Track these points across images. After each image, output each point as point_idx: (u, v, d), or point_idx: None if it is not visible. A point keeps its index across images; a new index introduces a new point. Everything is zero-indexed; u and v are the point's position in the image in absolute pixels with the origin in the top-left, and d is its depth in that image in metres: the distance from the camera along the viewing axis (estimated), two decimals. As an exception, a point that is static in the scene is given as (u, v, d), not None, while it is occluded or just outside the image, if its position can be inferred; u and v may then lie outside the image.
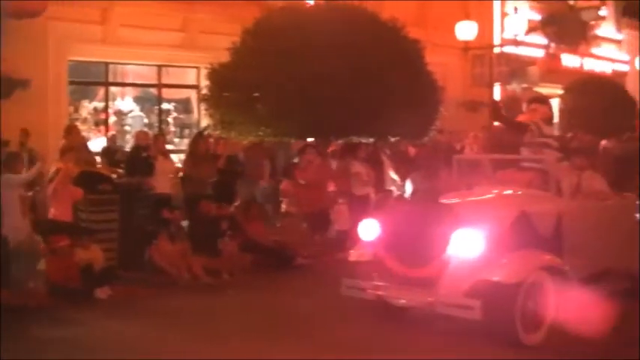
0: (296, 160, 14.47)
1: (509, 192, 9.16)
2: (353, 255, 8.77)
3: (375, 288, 8.09)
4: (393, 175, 15.28)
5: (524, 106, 10.90)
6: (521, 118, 10.63)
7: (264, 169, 14.51)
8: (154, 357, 7.41)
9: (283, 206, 13.92)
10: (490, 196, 9.10)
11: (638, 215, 10.06)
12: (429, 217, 8.10)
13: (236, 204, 13.40)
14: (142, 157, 12.79)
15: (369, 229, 8.55)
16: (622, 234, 9.41)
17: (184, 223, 12.29)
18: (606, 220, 9.18)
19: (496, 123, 13.10)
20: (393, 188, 15.05)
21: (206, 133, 15.16)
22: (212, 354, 7.43)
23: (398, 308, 8.12)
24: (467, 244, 7.65)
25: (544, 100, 10.89)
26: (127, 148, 15.43)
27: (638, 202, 10.25)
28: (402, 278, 7.95)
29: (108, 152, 14.68)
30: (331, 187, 13.75)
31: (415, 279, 7.83)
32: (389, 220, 8.55)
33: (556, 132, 10.25)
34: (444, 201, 8.49)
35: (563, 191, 9.18)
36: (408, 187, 14.49)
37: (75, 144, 12.68)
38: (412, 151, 15.96)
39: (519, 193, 9.06)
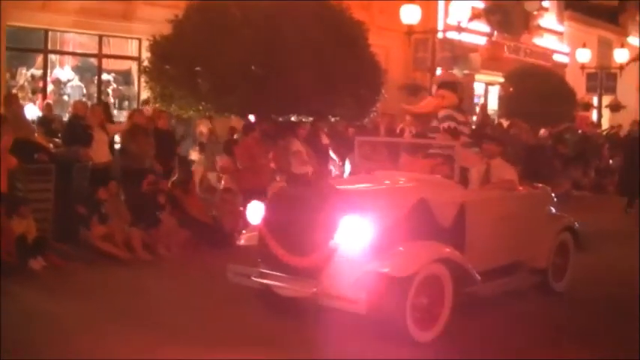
0: (236, 137, 14.43)
1: (409, 178, 8.65)
2: (242, 238, 8.30)
3: (259, 275, 7.58)
4: (332, 155, 15.35)
5: (433, 89, 10.45)
6: (428, 103, 10.24)
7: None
8: (75, 332, 7.41)
9: (222, 182, 13.87)
10: (386, 181, 8.58)
11: (550, 207, 9.85)
12: (316, 202, 7.47)
13: (173, 179, 13.34)
14: (80, 128, 12.62)
15: (256, 212, 8.01)
16: (531, 227, 9.14)
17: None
18: (514, 211, 8.84)
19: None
20: (332, 168, 15.13)
21: (145, 106, 15.07)
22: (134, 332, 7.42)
23: (286, 298, 7.58)
24: (354, 232, 7.09)
25: (453, 86, 10.15)
26: (65, 117, 15.20)
27: (551, 194, 10.05)
28: (287, 266, 7.40)
29: (44, 121, 14.46)
30: (271, 165, 13.73)
31: (299, 268, 7.29)
32: (275, 203, 7.96)
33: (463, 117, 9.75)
34: (335, 185, 7.87)
35: (471, 180, 8.79)
36: (347, 167, 14.59)
37: (13, 114, 12.48)
38: (351, 131, 16.01)
39: (420, 179, 8.54)
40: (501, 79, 26.93)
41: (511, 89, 25.25)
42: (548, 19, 32.92)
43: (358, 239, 7.09)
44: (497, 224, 8.46)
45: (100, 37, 18.13)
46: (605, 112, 32.67)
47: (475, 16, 24.41)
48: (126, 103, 18.74)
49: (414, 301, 7.10)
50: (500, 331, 7.87)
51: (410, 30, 20.64)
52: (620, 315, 8.60)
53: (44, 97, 17.09)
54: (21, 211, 10.33)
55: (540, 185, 10.17)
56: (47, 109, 15.62)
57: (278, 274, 7.43)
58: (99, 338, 7.24)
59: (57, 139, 13.36)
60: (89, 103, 15.11)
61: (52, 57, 17.87)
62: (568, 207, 17.16)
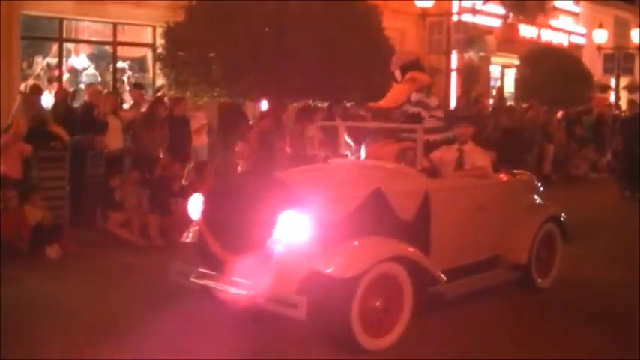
0: (251, 123, 14.43)
1: (366, 166, 7.99)
2: (188, 234, 7.49)
3: (198, 276, 6.90)
4: (347, 139, 15.29)
5: (396, 74, 9.13)
6: (399, 92, 9.01)
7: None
8: (91, 318, 7.41)
9: (239, 168, 13.89)
10: (339, 170, 7.89)
11: (534, 196, 9.13)
12: (254, 195, 6.76)
13: (190, 166, 13.37)
14: (94, 115, 12.65)
15: (196, 206, 7.30)
16: (509, 218, 8.43)
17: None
18: (489, 201, 8.11)
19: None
20: (347, 153, 15.08)
21: (160, 93, 15.09)
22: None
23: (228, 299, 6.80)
24: (294, 228, 6.36)
25: (419, 65, 9.35)
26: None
27: (534, 182, 9.38)
28: (224, 266, 6.71)
29: (57, 107, 14.49)
30: (287, 150, 13.72)
31: (238, 267, 6.58)
32: (212, 196, 7.25)
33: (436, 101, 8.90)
34: (276, 176, 7.18)
35: (442, 168, 8.16)
36: (363, 152, 14.53)
37: (29, 102, 12.56)
38: (367, 116, 15.97)
39: (378, 167, 7.80)
40: (517, 62, 26.83)
41: (527, 71, 25.18)
42: (564, 1, 32.71)
43: (299, 236, 6.37)
44: (468, 216, 7.80)
45: (115, 24, 18.15)
46: (623, 94, 32.45)
47: (490, -3, 24.35)
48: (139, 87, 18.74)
49: (362, 305, 6.34)
50: (466, 336, 7.09)
51: (424, 13, 20.57)
52: (607, 314, 7.88)
53: (60, 85, 17.14)
54: (34, 199, 10.40)
55: (521, 172, 9.54)
56: (67, 96, 15.56)
57: (216, 274, 6.78)
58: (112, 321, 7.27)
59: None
60: (105, 90, 15.13)
61: (67, 45, 17.93)
62: (585, 189, 17.30)
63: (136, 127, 13.24)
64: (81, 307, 7.79)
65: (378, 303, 6.52)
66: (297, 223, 6.36)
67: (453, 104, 21.60)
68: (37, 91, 13.50)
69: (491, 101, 24.53)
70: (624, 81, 32.28)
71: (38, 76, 17.25)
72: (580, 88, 24.44)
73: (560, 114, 22.57)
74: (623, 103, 31.06)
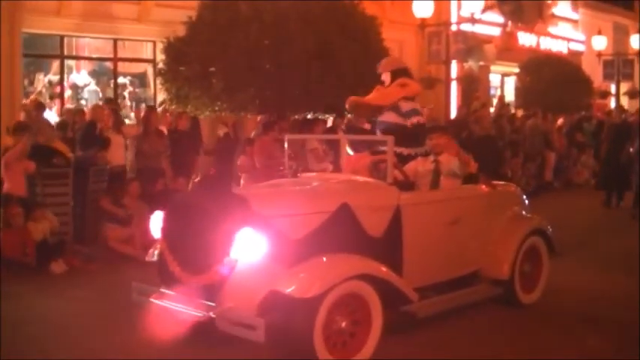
0: (252, 136, 14.48)
1: (334, 181, 7.63)
2: (151, 254, 7.18)
3: (159, 296, 6.61)
4: (349, 151, 15.30)
5: (383, 76, 8.78)
6: (389, 93, 8.57)
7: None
8: (96, 333, 7.43)
9: (241, 181, 13.94)
10: (305, 184, 7.41)
11: (517, 208, 8.73)
12: (212, 211, 6.39)
13: (196, 179, 13.45)
14: (96, 132, 12.73)
15: (157, 223, 6.98)
16: (489, 232, 8.07)
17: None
18: (467, 215, 7.77)
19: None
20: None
21: (161, 108, 15.15)
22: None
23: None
24: (253, 246, 6.10)
25: (408, 72, 8.90)
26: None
27: (518, 193, 9.02)
28: (184, 286, 6.43)
29: (63, 126, 14.56)
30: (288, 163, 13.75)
31: (197, 288, 6.33)
32: (171, 211, 6.87)
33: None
34: (235, 191, 6.85)
35: (417, 179, 7.87)
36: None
37: (34, 119, 12.63)
38: (367, 127, 15.99)
39: (345, 181, 7.50)
40: (517, 70, 26.88)
41: (527, 79, 25.23)
42: (563, 7, 32.79)
43: (256, 254, 6.11)
44: (444, 230, 7.49)
45: (115, 40, 18.27)
46: (624, 100, 32.47)
47: (488, 7, 24.37)
48: (142, 105, 18.83)
49: (326, 326, 6.06)
50: (444, 354, 6.84)
51: (423, 23, 20.61)
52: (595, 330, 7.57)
53: (61, 102, 17.23)
54: (37, 215, 10.46)
55: (503, 183, 9.26)
56: (67, 114, 15.68)
57: (175, 294, 6.48)
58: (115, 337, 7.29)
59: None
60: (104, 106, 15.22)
61: (68, 62, 18.04)
62: (586, 196, 17.29)
63: (136, 140, 13.36)
64: (86, 322, 7.82)
65: (344, 324, 6.25)
66: (254, 242, 6.10)
67: (453, 114, 21.63)
68: (39, 106, 13.57)
69: (491, 109, 24.58)
70: (624, 87, 32.29)
71: (40, 93, 17.35)
72: (580, 94, 24.50)
73: (560, 121, 22.60)
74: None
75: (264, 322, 5.80)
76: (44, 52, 17.93)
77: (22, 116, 13.59)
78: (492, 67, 28.09)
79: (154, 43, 18.18)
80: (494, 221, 8.17)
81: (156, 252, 7.08)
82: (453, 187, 7.92)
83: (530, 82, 25.05)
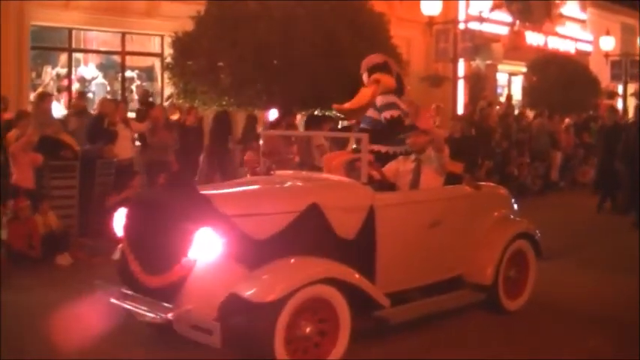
0: (259, 131, 14.50)
1: (304, 179, 7.28)
2: (116, 252, 6.94)
3: (120, 296, 6.36)
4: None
5: (364, 77, 8.63)
6: (362, 95, 8.41)
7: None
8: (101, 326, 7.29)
9: (247, 176, 13.96)
10: (274, 183, 7.10)
11: (503, 210, 8.28)
12: (174, 209, 6.12)
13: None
14: (104, 125, 12.75)
15: (119, 221, 6.69)
16: (472, 235, 7.71)
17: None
18: (447, 217, 7.40)
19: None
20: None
21: (168, 102, 15.18)
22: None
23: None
24: (212, 247, 5.83)
25: (386, 66, 8.59)
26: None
27: (504, 195, 8.56)
28: (143, 286, 6.19)
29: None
30: (295, 159, 13.77)
31: (156, 289, 6.05)
32: (132, 209, 6.59)
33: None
34: (197, 189, 6.50)
35: (397, 179, 7.57)
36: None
37: (40, 111, 12.64)
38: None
39: (316, 180, 7.20)
40: (524, 69, 26.87)
41: (534, 79, 25.21)
42: (571, 7, 32.73)
43: (215, 255, 5.85)
44: (422, 233, 7.16)
45: (123, 34, 18.28)
46: (631, 100, 32.39)
47: (496, 5, 24.35)
48: (150, 99, 18.85)
49: (289, 332, 5.80)
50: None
51: (431, 21, 20.58)
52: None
53: (69, 95, 17.25)
54: (44, 207, 10.49)
55: (489, 184, 8.92)
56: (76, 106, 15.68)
57: (136, 295, 6.23)
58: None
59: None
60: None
61: (76, 55, 18.06)
62: (590, 196, 17.24)
63: (145, 134, 13.41)
64: (90, 315, 7.83)
65: (308, 329, 5.96)
66: (213, 242, 5.83)
67: (460, 112, 21.61)
68: (46, 98, 13.59)
69: (497, 107, 24.58)
70: (632, 87, 32.22)
71: (47, 86, 17.36)
72: (587, 94, 24.49)
73: (567, 121, 22.59)
74: (631, 110, 31.12)
75: (220, 327, 5.50)
76: (52, 45, 17.94)
77: (29, 108, 13.59)
78: (499, 66, 28.04)
79: (162, 37, 18.19)
80: (478, 224, 7.82)
81: (118, 251, 6.87)
82: (433, 187, 7.55)
83: (538, 81, 25.05)
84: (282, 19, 12.94)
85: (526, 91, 26.22)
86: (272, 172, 7.75)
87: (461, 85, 24.02)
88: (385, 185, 7.31)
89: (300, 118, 14.98)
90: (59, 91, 17.62)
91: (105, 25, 17.75)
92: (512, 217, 8.38)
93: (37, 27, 16.77)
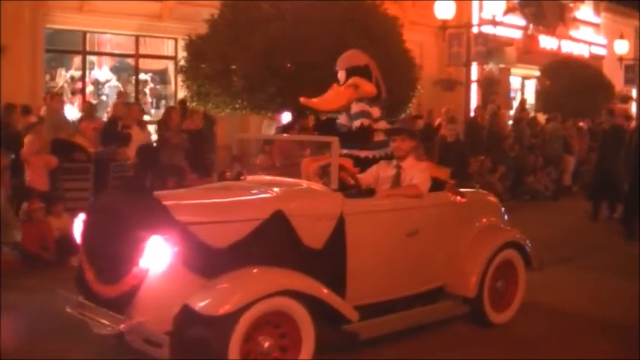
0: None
1: (269, 184, 6.72)
2: (75, 259, 6.79)
3: (77, 306, 6.06)
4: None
5: (340, 73, 8.03)
6: (338, 96, 7.86)
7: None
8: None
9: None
10: (238, 189, 6.69)
11: (491, 219, 7.85)
12: (127, 216, 5.79)
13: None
14: (118, 128, 12.82)
15: (78, 227, 6.36)
16: (454, 244, 7.30)
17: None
18: (427, 226, 7.00)
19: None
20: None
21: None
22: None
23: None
24: (165, 256, 5.50)
25: (366, 70, 7.97)
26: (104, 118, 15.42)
27: (491, 202, 8.16)
28: (99, 297, 5.86)
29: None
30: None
31: (110, 299, 5.73)
32: (88, 216, 6.26)
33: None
34: (153, 195, 6.05)
35: (377, 186, 7.13)
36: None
37: (53, 113, 12.71)
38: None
39: (282, 186, 6.65)
40: (537, 73, 26.81)
41: (548, 82, 25.15)
42: (584, 11, 32.63)
43: (170, 264, 5.53)
44: (399, 242, 6.78)
45: (137, 37, 18.36)
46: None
47: (510, 9, 24.34)
48: (163, 102, 18.93)
49: (245, 347, 5.48)
50: None
51: (444, 25, 20.56)
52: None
53: (83, 97, 17.33)
54: (57, 209, 10.54)
55: (476, 191, 8.40)
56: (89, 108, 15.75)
57: (92, 305, 5.91)
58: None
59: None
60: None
61: (90, 58, 18.15)
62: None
63: (157, 136, 13.46)
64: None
65: (267, 344, 5.61)
66: (165, 251, 5.50)
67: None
68: (56, 98, 13.66)
69: (511, 112, 24.55)
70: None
71: (61, 89, 17.44)
72: (601, 99, 24.38)
73: (580, 125, 22.53)
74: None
75: (168, 340, 5.25)
76: (66, 48, 18.05)
77: (42, 110, 13.65)
78: (513, 70, 28.01)
79: (176, 40, 18.27)
80: (462, 233, 7.39)
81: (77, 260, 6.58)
82: (406, 193, 7.00)
83: (551, 85, 25.00)
84: (294, 23, 12.96)
85: (539, 95, 26.19)
86: (243, 178, 7.24)
87: (474, 88, 24.01)
88: (362, 192, 6.90)
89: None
90: (73, 93, 17.72)
91: (119, 28, 17.82)
92: (501, 225, 7.96)
93: (52, 30, 16.87)
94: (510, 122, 21.40)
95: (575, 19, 31.77)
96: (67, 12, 16.53)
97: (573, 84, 23.82)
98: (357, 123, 7.67)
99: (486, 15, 23.70)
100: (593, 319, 7.96)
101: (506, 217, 8.19)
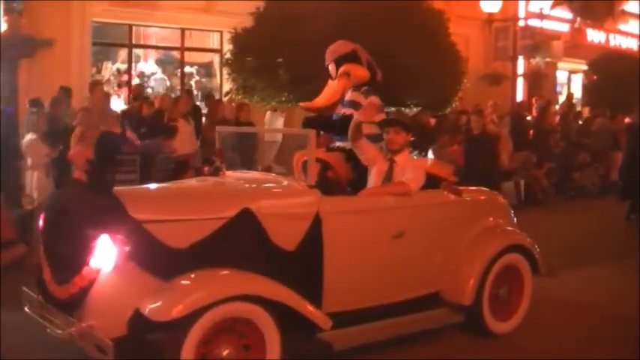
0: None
1: (239, 180, 6.46)
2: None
3: (35, 306, 5.72)
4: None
5: (330, 68, 7.79)
6: (332, 91, 7.64)
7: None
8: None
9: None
10: (206, 185, 6.40)
11: (493, 219, 7.25)
12: (80, 212, 5.44)
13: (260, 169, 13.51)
14: (163, 120, 12.87)
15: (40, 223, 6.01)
16: (449, 247, 6.77)
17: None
18: (418, 226, 6.50)
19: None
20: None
21: (227, 98, 15.25)
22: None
23: None
24: (116, 255, 5.13)
25: (354, 56, 7.67)
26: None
27: (496, 202, 7.60)
28: (54, 297, 5.51)
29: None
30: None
31: (63, 300, 5.38)
32: (48, 212, 5.91)
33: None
34: (112, 190, 5.58)
35: (369, 183, 6.67)
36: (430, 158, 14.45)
37: (98, 105, 12.77)
38: (432, 122, 15.90)
39: (253, 182, 6.37)
40: (585, 67, 26.46)
41: (595, 77, 24.81)
42: (633, 4, 32.09)
43: (120, 265, 5.16)
44: (384, 245, 6.26)
45: (183, 30, 18.42)
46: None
47: (557, 2, 24.04)
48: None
49: (200, 355, 5.10)
50: None
51: (490, 18, 20.40)
52: None
53: (129, 90, 17.45)
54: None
55: (478, 190, 7.53)
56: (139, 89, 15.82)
57: (49, 306, 5.57)
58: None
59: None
60: (172, 95, 15.35)
61: (136, 51, 18.28)
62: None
63: (203, 129, 13.50)
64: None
65: (225, 352, 5.20)
66: (117, 250, 5.14)
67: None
68: (97, 87, 13.71)
69: (557, 107, 24.27)
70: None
71: (108, 81, 17.57)
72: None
73: (628, 120, 22.20)
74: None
75: (112, 345, 4.86)
76: (113, 41, 18.19)
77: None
78: (559, 64, 27.66)
79: (221, 33, 18.30)
80: (459, 234, 6.85)
81: None
82: (393, 191, 6.52)
83: (598, 79, 24.65)
84: (338, 16, 12.90)
85: (586, 89, 25.85)
86: (221, 173, 6.81)
87: (520, 83, 23.77)
88: (345, 190, 6.60)
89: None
90: (119, 86, 17.85)
91: (164, 22, 17.88)
92: (506, 227, 7.35)
93: (98, 23, 16.98)
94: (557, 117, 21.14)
95: (624, 12, 31.28)
96: (113, 5, 16.62)
97: (621, 78, 23.43)
98: (346, 111, 7.24)
99: (533, 8, 23.44)
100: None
101: (515, 219, 7.61)
